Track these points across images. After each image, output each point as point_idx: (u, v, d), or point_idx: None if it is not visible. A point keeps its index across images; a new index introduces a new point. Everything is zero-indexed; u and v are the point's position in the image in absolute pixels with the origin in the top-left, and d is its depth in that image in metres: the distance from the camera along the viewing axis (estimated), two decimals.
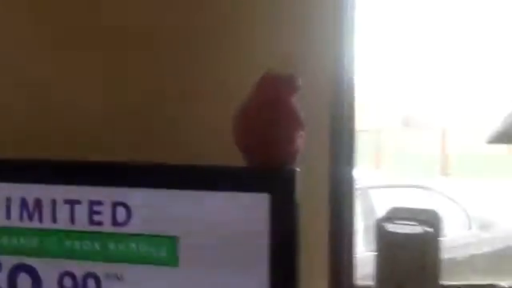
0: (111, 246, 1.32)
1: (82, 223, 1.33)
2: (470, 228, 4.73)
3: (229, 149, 1.30)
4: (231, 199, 1.28)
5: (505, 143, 1.86)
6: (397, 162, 7.40)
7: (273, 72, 1.32)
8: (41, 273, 1.35)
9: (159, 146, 1.53)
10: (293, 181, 1.26)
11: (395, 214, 1.40)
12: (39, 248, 1.35)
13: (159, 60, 1.56)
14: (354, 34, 1.57)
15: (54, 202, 1.34)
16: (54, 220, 1.35)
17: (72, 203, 1.34)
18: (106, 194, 1.32)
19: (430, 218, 1.38)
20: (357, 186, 1.66)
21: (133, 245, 1.30)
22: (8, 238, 1.36)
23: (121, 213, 1.31)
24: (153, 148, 1.52)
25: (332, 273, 1.58)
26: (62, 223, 1.34)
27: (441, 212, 1.43)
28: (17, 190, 1.36)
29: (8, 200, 1.36)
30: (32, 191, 1.35)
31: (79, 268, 1.33)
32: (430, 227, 1.35)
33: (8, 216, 1.36)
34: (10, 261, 1.36)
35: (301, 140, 1.32)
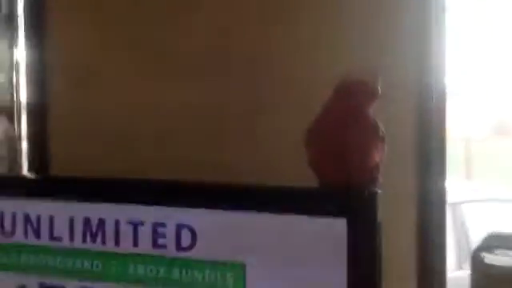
0: (175, 272, 1.23)
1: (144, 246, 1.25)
2: None
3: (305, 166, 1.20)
4: (304, 224, 1.17)
5: None
6: (488, 173, 7.09)
7: (349, 79, 1.18)
8: None
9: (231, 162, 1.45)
10: (373, 203, 1.14)
11: (493, 242, 1.25)
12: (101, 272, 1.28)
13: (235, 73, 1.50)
14: (443, 39, 1.46)
15: (117, 223, 1.27)
16: (117, 243, 1.27)
17: (135, 224, 1.26)
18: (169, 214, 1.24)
19: None
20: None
21: (196, 272, 1.21)
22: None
23: (186, 236, 1.23)
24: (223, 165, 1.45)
25: None
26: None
27: None
28: (80, 210, 1.30)
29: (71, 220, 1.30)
30: (96, 211, 1.29)
31: None
32: None
33: (71, 237, 1.30)
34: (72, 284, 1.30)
35: (381, 154, 1.18)
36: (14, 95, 1.76)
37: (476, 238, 3.79)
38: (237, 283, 1.20)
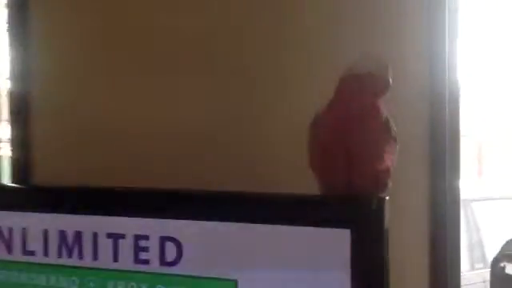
0: None
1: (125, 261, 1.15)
2: None
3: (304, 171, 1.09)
4: (303, 235, 1.05)
5: None
6: (500, 171, 6.99)
7: (357, 69, 1.05)
8: None
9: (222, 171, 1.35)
10: (380, 214, 1.02)
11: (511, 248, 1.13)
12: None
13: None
14: (456, 37, 1.38)
15: (95, 236, 1.17)
16: (95, 257, 1.17)
17: (115, 237, 1.16)
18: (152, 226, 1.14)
19: None
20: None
21: None
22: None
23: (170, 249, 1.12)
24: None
25: None
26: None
27: None
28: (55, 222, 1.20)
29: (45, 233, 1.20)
30: (72, 223, 1.19)
31: None
32: None
33: (45, 252, 1.21)
34: None
35: (393, 156, 1.05)
36: None
37: (488, 237, 3.72)
38: None
